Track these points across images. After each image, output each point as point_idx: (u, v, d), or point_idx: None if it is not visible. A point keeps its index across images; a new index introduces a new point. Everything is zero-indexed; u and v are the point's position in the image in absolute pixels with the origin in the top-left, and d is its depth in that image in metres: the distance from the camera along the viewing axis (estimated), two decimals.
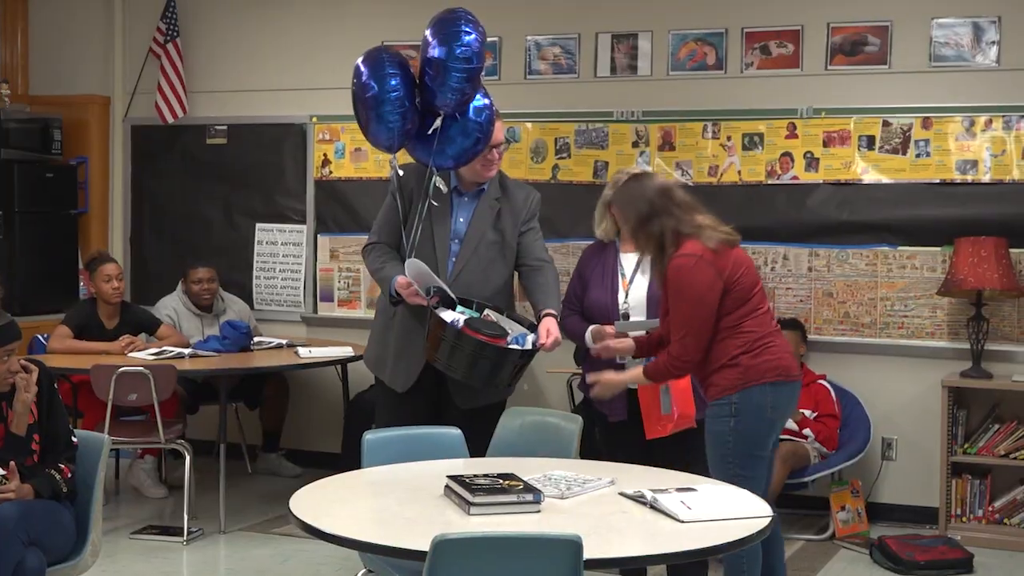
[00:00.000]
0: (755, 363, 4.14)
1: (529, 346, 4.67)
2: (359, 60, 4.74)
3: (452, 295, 4.72)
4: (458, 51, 4.59)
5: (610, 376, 4.46)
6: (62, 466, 4.14)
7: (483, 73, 4.79)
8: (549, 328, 4.72)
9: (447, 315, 4.61)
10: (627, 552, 3.17)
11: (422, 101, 4.72)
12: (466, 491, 3.32)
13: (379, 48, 4.82)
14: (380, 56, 4.72)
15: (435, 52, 4.62)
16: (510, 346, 4.61)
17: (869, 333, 6.38)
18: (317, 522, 3.21)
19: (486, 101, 4.80)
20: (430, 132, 4.70)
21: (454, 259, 4.90)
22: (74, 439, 4.25)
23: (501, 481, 3.41)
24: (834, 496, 6.07)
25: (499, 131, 4.93)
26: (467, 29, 4.64)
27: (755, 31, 6.56)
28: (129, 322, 6.72)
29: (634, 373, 4.38)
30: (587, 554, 2.85)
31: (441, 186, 4.82)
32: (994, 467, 6.09)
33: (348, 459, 5.05)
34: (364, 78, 4.66)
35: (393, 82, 4.62)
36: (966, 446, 6.08)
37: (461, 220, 4.94)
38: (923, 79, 6.29)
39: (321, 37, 7.44)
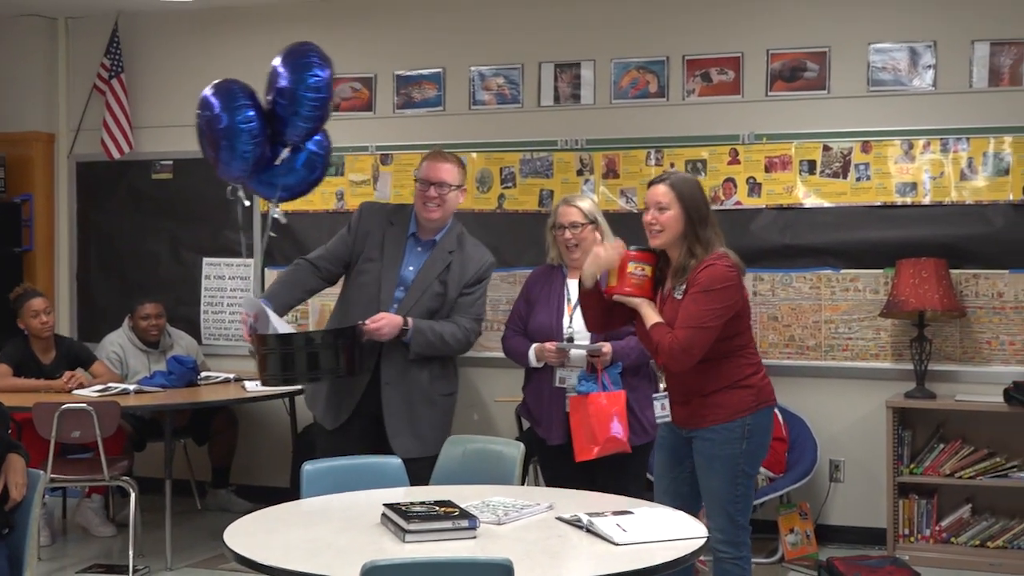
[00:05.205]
0: (763, 384, 4.18)
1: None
2: (207, 92, 4.74)
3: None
4: (310, 81, 4.64)
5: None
6: None
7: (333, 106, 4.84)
8: (382, 314, 4.75)
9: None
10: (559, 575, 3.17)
11: (272, 132, 4.73)
12: (401, 518, 3.30)
13: (228, 80, 4.81)
14: (232, 88, 4.73)
15: (285, 82, 4.66)
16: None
17: (814, 356, 6.41)
18: (251, 553, 3.19)
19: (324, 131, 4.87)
20: (277, 162, 4.76)
21: (396, 306, 4.86)
22: None
23: (437, 508, 3.40)
24: (783, 519, 6.09)
25: (440, 171, 4.87)
26: (316, 61, 4.69)
27: (696, 59, 6.61)
28: (65, 355, 6.69)
29: (645, 310, 4.11)
30: None
31: (279, 217, 4.84)
32: (940, 486, 6.13)
33: (297, 493, 5.00)
34: (216, 110, 4.65)
35: (249, 113, 4.65)
36: (912, 466, 6.12)
37: (411, 268, 4.94)
38: (862, 103, 6.37)
39: (265, 70, 7.40)
